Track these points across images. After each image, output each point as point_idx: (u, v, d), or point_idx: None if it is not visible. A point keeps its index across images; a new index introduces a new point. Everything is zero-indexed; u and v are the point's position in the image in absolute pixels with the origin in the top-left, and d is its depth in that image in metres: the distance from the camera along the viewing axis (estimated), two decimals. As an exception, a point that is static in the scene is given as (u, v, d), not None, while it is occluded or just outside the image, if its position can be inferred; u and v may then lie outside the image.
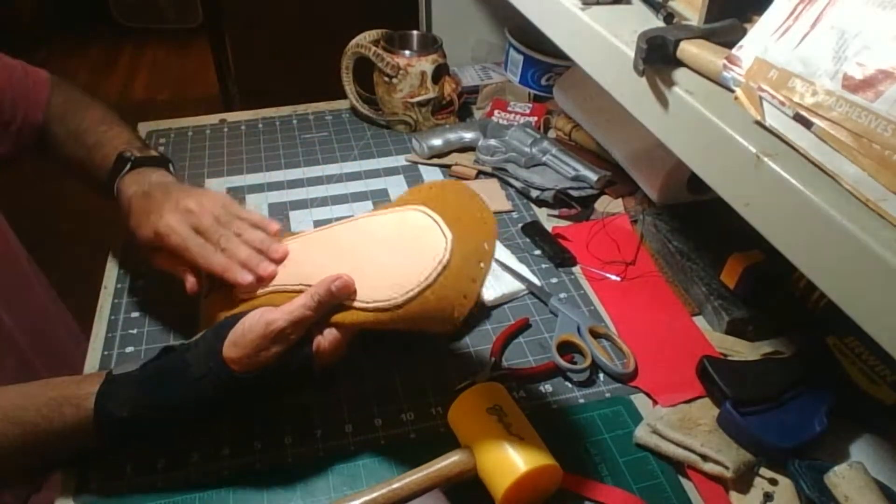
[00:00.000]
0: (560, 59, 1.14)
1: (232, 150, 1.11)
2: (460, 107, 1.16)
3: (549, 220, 0.96)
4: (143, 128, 1.16)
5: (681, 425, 0.64)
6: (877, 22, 0.37)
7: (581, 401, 0.70)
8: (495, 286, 0.82)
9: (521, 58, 1.19)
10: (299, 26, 1.80)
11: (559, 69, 1.15)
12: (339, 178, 1.04)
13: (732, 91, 0.46)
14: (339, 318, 0.61)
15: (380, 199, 1.00)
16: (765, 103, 0.43)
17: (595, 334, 0.76)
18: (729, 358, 0.72)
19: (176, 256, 0.67)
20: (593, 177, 0.96)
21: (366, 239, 0.66)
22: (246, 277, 0.65)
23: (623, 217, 0.94)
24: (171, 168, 0.78)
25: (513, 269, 0.84)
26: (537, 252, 0.90)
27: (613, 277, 0.85)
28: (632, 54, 0.53)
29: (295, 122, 1.19)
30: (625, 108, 0.59)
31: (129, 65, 3.25)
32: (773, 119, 0.43)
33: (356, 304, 0.61)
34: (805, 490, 0.58)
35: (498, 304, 0.81)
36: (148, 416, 0.60)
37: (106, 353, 0.75)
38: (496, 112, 1.15)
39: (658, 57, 0.52)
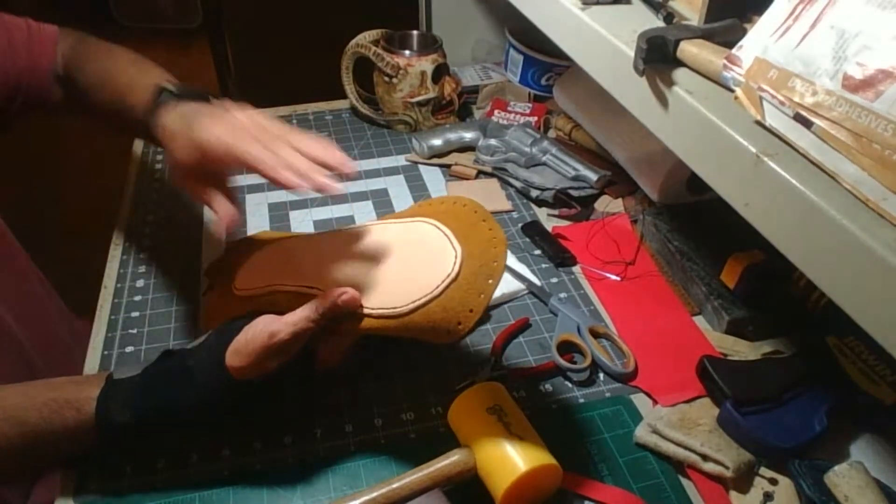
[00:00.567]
0: (560, 59, 1.14)
1: (232, 149, 1.11)
2: (460, 107, 1.16)
3: (549, 220, 0.96)
4: (143, 128, 1.16)
5: (681, 425, 0.64)
6: (877, 22, 0.37)
7: (581, 400, 0.70)
8: (495, 286, 0.82)
9: (521, 58, 1.19)
10: (299, 26, 1.80)
11: (559, 69, 1.15)
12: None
13: (732, 91, 0.46)
14: (367, 324, 0.61)
15: (380, 199, 1.00)
16: (765, 103, 0.43)
17: (595, 334, 0.76)
18: (729, 358, 0.72)
19: (210, 180, 0.60)
20: (593, 177, 0.96)
21: (374, 246, 0.66)
22: (291, 179, 0.54)
23: (623, 217, 0.94)
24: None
25: (513, 269, 0.84)
26: (537, 252, 0.90)
27: (613, 277, 0.85)
28: (632, 54, 0.53)
29: (295, 122, 1.19)
30: (625, 108, 0.59)
31: (129, 65, 3.24)
32: (773, 119, 0.43)
33: (363, 310, 0.61)
34: (805, 490, 0.58)
35: (498, 304, 0.81)
36: (150, 422, 0.60)
37: (106, 353, 0.75)
38: (496, 112, 1.15)
39: (658, 57, 0.52)
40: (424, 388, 0.71)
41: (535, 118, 1.13)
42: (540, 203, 0.98)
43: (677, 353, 0.74)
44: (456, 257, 0.60)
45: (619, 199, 0.98)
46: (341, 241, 0.69)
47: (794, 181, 0.40)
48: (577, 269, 0.87)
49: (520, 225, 0.94)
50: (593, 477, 0.62)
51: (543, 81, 1.19)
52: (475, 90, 1.24)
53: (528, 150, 1.01)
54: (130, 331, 0.78)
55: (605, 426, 0.67)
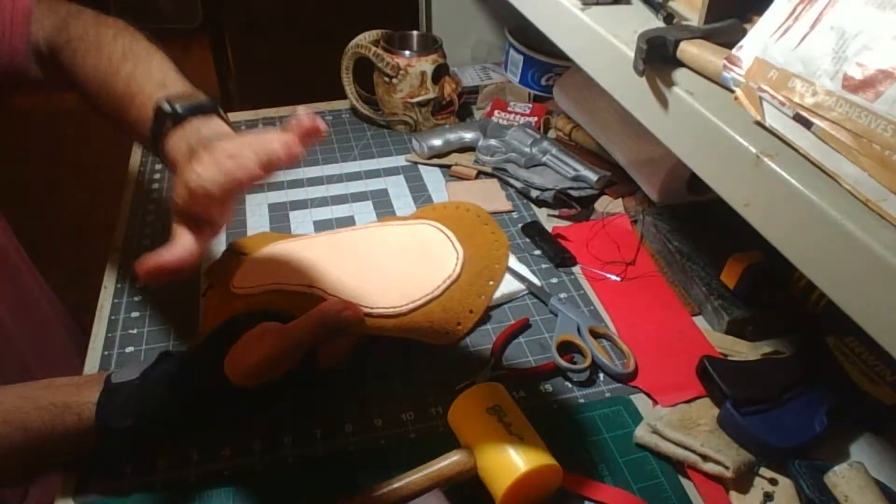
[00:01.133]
0: (560, 59, 1.14)
1: (232, 150, 1.11)
2: (460, 107, 1.16)
3: (549, 220, 0.96)
4: (143, 128, 1.16)
5: (681, 425, 0.64)
6: (877, 22, 0.37)
7: (581, 401, 0.70)
8: (495, 286, 0.82)
9: (521, 58, 1.19)
10: (299, 26, 1.80)
11: (559, 69, 1.15)
12: (339, 179, 1.04)
13: (732, 91, 0.46)
14: (369, 323, 0.61)
15: (380, 200, 1.00)
16: (765, 103, 0.43)
17: (595, 334, 0.76)
18: (729, 358, 0.72)
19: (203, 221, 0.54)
20: (593, 177, 0.96)
21: (375, 247, 0.66)
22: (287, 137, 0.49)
23: (623, 217, 0.94)
24: (221, 112, 0.63)
25: (513, 269, 0.84)
26: (537, 252, 0.90)
27: (613, 277, 0.85)
28: (632, 54, 0.53)
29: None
30: (625, 108, 0.59)
31: (129, 65, 3.24)
32: (773, 119, 0.43)
33: (363, 309, 0.61)
34: (805, 490, 0.58)
35: (498, 304, 0.81)
36: (150, 427, 0.59)
37: (106, 353, 0.75)
38: (496, 112, 1.15)
39: (658, 57, 0.52)
40: (424, 388, 0.71)
41: (535, 118, 1.13)
42: (540, 203, 0.98)
43: (677, 353, 0.74)
44: (457, 259, 0.60)
45: (619, 200, 0.98)
46: (342, 241, 0.69)
47: (794, 182, 0.40)
48: (577, 269, 0.87)
49: (520, 225, 0.94)
50: (593, 477, 0.62)
51: (543, 81, 1.19)
52: (475, 90, 1.24)
53: (528, 150, 1.01)
54: (130, 331, 0.78)
55: (605, 426, 0.67)
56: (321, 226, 0.94)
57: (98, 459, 0.63)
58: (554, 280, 0.85)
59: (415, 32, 1.19)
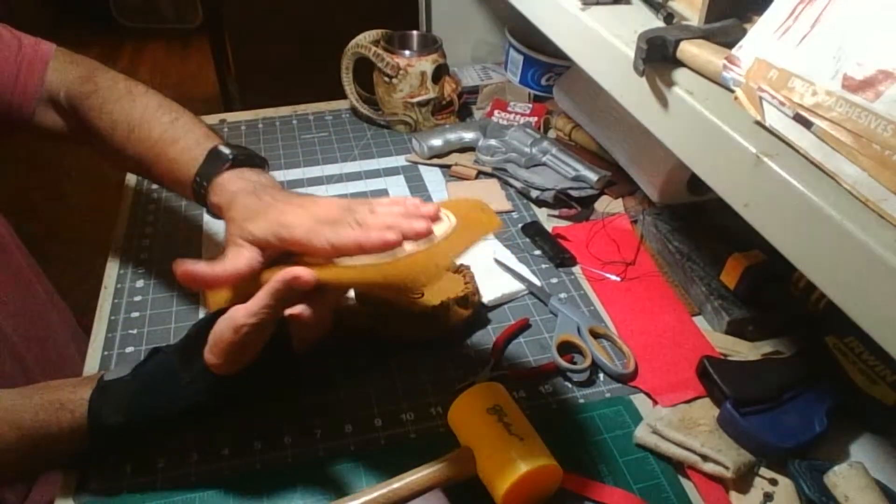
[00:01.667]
0: (560, 59, 1.14)
1: (232, 150, 1.11)
2: (460, 107, 1.17)
3: (549, 220, 0.96)
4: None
5: (681, 425, 0.64)
6: (877, 22, 0.37)
7: (581, 401, 0.70)
8: (495, 286, 0.82)
9: (521, 58, 1.19)
10: (299, 26, 1.80)
11: (559, 69, 1.15)
12: (339, 179, 1.04)
13: (732, 91, 0.46)
14: (322, 275, 0.57)
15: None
16: (765, 103, 0.43)
17: (595, 334, 0.76)
18: (729, 358, 0.72)
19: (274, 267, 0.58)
20: (593, 177, 0.96)
21: None
22: (387, 236, 0.53)
23: (623, 217, 0.94)
24: (268, 169, 0.69)
25: (513, 269, 0.84)
26: (537, 252, 0.90)
27: (613, 277, 0.85)
28: (632, 54, 0.53)
29: (295, 122, 1.19)
30: (625, 108, 0.59)
31: (129, 65, 3.24)
32: (773, 119, 0.43)
33: (345, 260, 0.57)
34: (805, 490, 0.58)
35: (498, 304, 0.81)
36: (141, 423, 0.59)
37: (106, 353, 0.75)
38: (496, 112, 1.15)
39: (658, 57, 0.52)
40: (424, 388, 0.71)
41: (535, 118, 1.13)
42: (540, 203, 0.98)
43: (677, 353, 0.74)
44: (449, 223, 0.59)
45: (619, 200, 0.98)
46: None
47: (794, 181, 0.40)
48: (577, 269, 0.87)
49: (520, 225, 0.94)
50: (593, 477, 0.62)
51: (543, 81, 1.19)
52: (475, 90, 1.24)
53: (528, 150, 1.01)
54: (130, 331, 0.78)
55: (605, 426, 0.67)
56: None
57: (94, 457, 0.63)
58: (554, 280, 0.85)
59: (415, 32, 1.19)
